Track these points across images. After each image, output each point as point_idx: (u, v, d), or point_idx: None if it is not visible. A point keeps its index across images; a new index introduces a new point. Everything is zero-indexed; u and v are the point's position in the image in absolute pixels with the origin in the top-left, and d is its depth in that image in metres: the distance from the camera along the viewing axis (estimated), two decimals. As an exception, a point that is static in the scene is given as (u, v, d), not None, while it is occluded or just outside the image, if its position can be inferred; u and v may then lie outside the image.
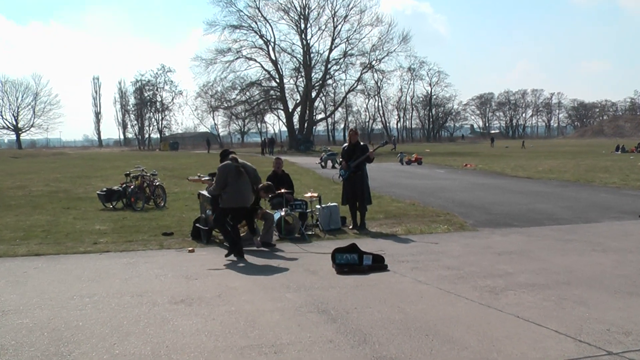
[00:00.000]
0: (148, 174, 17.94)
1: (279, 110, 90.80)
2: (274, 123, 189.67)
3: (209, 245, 10.78)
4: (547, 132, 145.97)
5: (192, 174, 24.11)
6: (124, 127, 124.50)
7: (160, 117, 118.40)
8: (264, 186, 9.97)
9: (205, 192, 11.77)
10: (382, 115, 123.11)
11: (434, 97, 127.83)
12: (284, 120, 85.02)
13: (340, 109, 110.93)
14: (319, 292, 7.38)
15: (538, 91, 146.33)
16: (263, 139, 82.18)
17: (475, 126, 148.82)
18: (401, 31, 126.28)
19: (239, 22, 76.54)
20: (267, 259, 9.51)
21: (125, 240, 11.46)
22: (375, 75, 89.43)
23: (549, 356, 5.27)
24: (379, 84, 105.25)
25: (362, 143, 12.61)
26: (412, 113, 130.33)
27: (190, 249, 10.34)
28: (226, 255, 9.59)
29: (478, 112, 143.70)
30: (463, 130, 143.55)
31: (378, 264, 8.66)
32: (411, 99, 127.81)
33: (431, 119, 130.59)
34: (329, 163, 37.57)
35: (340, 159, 12.78)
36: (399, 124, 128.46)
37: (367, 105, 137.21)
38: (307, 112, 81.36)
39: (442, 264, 8.80)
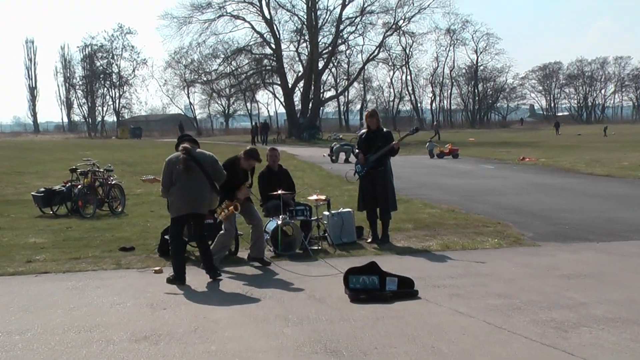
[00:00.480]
0: (101, 170, 18.02)
1: (275, 86, 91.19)
2: (269, 103, 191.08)
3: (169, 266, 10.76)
4: (635, 114, 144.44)
5: (157, 170, 24.20)
6: (69, 107, 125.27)
7: (117, 95, 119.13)
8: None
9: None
10: (411, 92, 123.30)
11: (481, 68, 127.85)
12: (282, 100, 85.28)
13: (356, 84, 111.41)
14: (327, 326, 7.37)
15: (623, 59, 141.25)
16: (254, 123, 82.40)
17: (537, 107, 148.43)
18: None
19: (221, -32, 76.90)
20: (258, 282, 9.52)
21: (69, 257, 11.50)
22: (402, 39, 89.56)
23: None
24: (407, 51, 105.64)
25: (384, 129, 12.61)
26: (451, 90, 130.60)
27: (156, 268, 10.36)
28: (168, 281, 9.58)
29: (540, 88, 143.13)
30: (520, 113, 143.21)
31: (405, 289, 8.63)
32: (450, 71, 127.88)
33: (477, 98, 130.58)
34: (341, 156, 37.67)
35: (356, 151, 12.80)
36: (433, 104, 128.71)
37: (391, 80, 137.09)
38: (312, 88, 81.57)
39: (491, 290, 8.77)
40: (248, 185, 10.88)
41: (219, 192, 10.03)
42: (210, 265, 9.80)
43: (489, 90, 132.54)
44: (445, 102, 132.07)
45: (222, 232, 10.73)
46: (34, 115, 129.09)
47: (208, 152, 10.04)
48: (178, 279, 9.56)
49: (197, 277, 9.90)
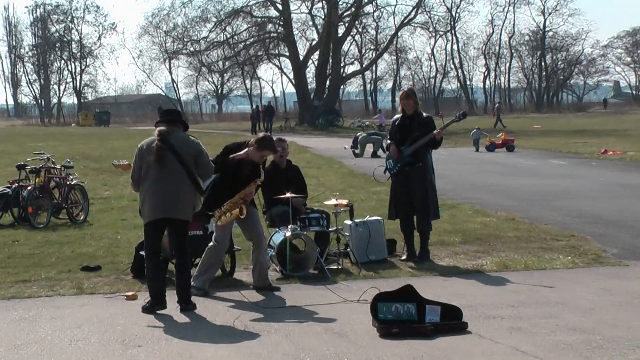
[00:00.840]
0: (57, 166, 18.07)
1: (283, 59, 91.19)
2: (274, 80, 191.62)
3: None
4: None
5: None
6: (15, 85, 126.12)
7: (78, 69, 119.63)
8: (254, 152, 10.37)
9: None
10: (458, 66, 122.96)
11: (550, 34, 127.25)
12: (291, 76, 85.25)
13: (386, 55, 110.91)
14: (350, 369, 7.35)
15: None
16: (255, 106, 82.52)
17: (623, 84, 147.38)
18: None
19: None
20: (261, 312, 9.52)
21: (16, 279, 11.54)
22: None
23: None
24: (453, 13, 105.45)
25: (424, 114, 12.61)
26: (510, 62, 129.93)
27: (129, 294, 10.38)
28: (143, 310, 9.59)
29: (628, 59, 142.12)
30: (601, 92, 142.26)
31: (451, 321, 8.60)
32: (509, 39, 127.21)
33: (544, 73, 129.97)
34: (368, 148, 37.62)
35: (388, 142, 12.76)
36: (487, 82, 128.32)
37: (432, 50, 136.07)
38: (331, 61, 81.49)
39: (563, 323, 8.72)
40: (260, 184, 10.82)
41: (203, 192, 9.87)
42: (185, 290, 9.72)
43: (560, 62, 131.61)
44: (502, 78, 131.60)
45: (211, 244, 10.69)
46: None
47: (193, 137, 9.91)
48: (156, 304, 9.55)
49: (178, 308, 9.89)
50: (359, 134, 39.49)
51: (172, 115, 10.29)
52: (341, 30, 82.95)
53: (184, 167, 9.55)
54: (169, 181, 9.53)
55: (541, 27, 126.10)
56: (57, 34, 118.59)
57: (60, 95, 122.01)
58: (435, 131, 12.25)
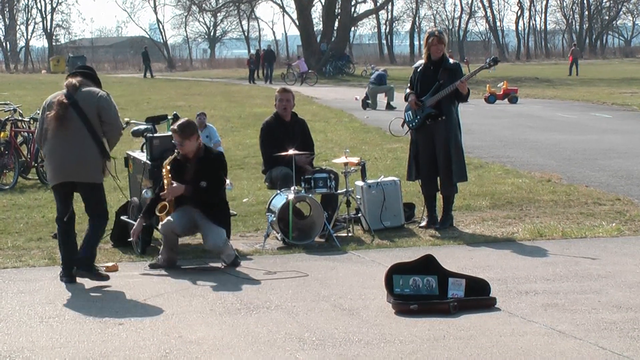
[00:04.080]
0: (26, 119, 18.07)
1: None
2: (275, 21, 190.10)
3: (146, 258, 10.86)
4: None
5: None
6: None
7: (48, 8, 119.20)
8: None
9: (138, 155, 11.81)
10: (487, 5, 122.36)
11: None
12: (294, 16, 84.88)
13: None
14: (362, 349, 7.38)
15: None
16: (256, 50, 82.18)
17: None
18: None
19: None
20: (260, 286, 9.56)
21: (-20, 247, 11.58)
22: None
23: None
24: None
25: (451, 61, 12.57)
26: (546, 1, 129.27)
27: (109, 264, 10.40)
28: (61, 278, 9.82)
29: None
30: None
31: (477, 296, 8.63)
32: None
33: (587, 12, 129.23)
34: (380, 98, 37.48)
35: (407, 91, 12.72)
36: (520, 23, 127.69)
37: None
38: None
39: (607, 300, 8.73)
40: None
41: (109, 155, 9.87)
42: (88, 257, 9.77)
43: (604, 0, 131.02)
44: (537, 19, 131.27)
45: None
46: None
47: (103, 91, 9.86)
48: (65, 275, 9.77)
49: (167, 279, 9.96)
50: (370, 86, 39.26)
51: (85, 70, 10.41)
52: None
53: (87, 126, 9.63)
54: (69, 141, 9.62)
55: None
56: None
57: (28, 37, 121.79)
58: (458, 81, 12.16)
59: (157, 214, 10.43)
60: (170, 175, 10.32)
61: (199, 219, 10.41)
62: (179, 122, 10.52)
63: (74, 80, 9.77)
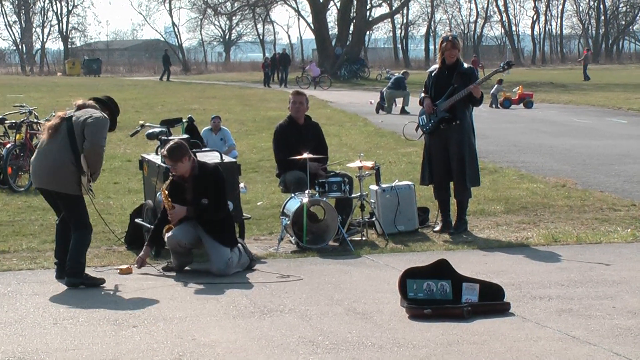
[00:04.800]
0: (41, 121, 18.08)
1: (300, 0, 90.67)
2: (290, 24, 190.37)
3: (160, 260, 10.87)
4: None
5: (126, 122, 24.26)
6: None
7: (64, 10, 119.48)
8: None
9: (152, 158, 11.83)
10: (502, 9, 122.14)
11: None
12: (309, 20, 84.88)
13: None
14: (375, 354, 7.38)
15: None
16: (272, 54, 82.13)
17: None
18: None
19: None
20: (274, 289, 9.57)
21: (-6, 249, 11.61)
22: None
23: None
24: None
25: (465, 65, 12.56)
26: (562, 5, 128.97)
27: (123, 267, 10.46)
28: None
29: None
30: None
31: (491, 301, 8.62)
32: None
33: (603, 17, 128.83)
34: (397, 102, 37.47)
35: (422, 95, 12.72)
36: (535, 27, 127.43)
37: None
38: (355, 3, 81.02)
39: (621, 305, 8.72)
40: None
41: (84, 170, 9.89)
42: (72, 268, 9.80)
43: (621, 4, 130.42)
44: (553, 23, 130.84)
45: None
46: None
47: (98, 113, 10.00)
48: (57, 275, 10.03)
49: (181, 281, 9.99)
50: (386, 90, 39.28)
51: (107, 98, 10.66)
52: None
53: (70, 140, 9.87)
54: (51, 151, 9.95)
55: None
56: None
57: (44, 40, 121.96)
58: (472, 85, 12.15)
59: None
60: (170, 200, 10.32)
61: (203, 236, 10.38)
62: (168, 146, 10.41)
63: (81, 101, 10.24)
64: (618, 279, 9.77)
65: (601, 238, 11.91)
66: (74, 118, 9.93)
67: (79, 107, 10.09)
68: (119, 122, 10.96)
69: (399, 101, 36.90)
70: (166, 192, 10.32)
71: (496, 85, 39.54)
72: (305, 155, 11.67)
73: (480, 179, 12.79)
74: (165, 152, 10.41)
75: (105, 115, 10.06)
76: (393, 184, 12.64)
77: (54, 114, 18.79)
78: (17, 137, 17.30)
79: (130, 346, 7.69)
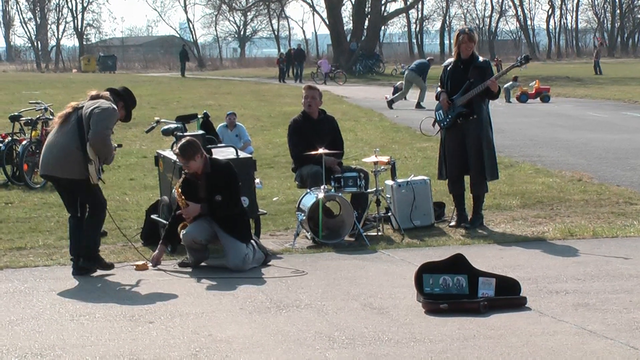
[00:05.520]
0: (56, 118, 18.10)
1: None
2: (305, 19, 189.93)
3: (176, 256, 10.89)
4: None
5: (141, 118, 24.30)
6: (7, 25, 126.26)
7: (79, 7, 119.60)
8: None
9: (168, 154, 11.84)
10: (517, 4, 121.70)
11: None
12: (324, 15, 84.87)
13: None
14: (391, 349, 7.38)
15: None
16: (288, 49, 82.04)
17: None
18: None
19: None
20: (290, 285, 9.58)
21: (10, 247, 11.66)
22: None
23: None
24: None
25: (481, 59, 12.54)
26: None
27: (139, 263, 10.48)
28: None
29: None
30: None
31: (507, 295, 8.62)
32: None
33: (619, 11, 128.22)
34: (407, 97, 37.44)
35: (438, 89, 12.70)
36: (551, 21, 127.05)
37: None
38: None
39: (638, 299, 8.70)
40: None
41: (89, 159, 9.93)
42: (86, 246, 10.09)
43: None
44: (568, 17, 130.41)
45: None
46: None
47: (107, 103, 10.10)
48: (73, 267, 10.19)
49: (197, 277, 10.00)
50: (399, 82, 39.29)
51: (123, 89, 10.82)
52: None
53: (79, 128, 10.01)
54: (59, 139, 10.12)
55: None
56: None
57: (59, 36, 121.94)
58: (489, 80, 12.12)
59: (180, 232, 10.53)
60: (183, 197, 10.34)
61: (219, 232, 10.39)
62: (180, 144, 10.46)
63: (95, 91, 10.37)
64: (635, 272, 9.75)
65: (617, 232, 11.89)
66: (84, 108, 10.06)
67: (92, 98, 10.21)
68: (134, 118, 11.01)
69: (410, 95, 36.93)
70: (179, 190, 10.34)
71: (511, 82, 39.49)
72: (321, 150, 11.67)
73: (497, 173, 12.76)
74: (177, 151, 10.44)
75: (115, 107, 10.16)
76: (409, 179, 12.62)
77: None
78: (32, 134, 17.32)
79: (147, 342, 7.71)
